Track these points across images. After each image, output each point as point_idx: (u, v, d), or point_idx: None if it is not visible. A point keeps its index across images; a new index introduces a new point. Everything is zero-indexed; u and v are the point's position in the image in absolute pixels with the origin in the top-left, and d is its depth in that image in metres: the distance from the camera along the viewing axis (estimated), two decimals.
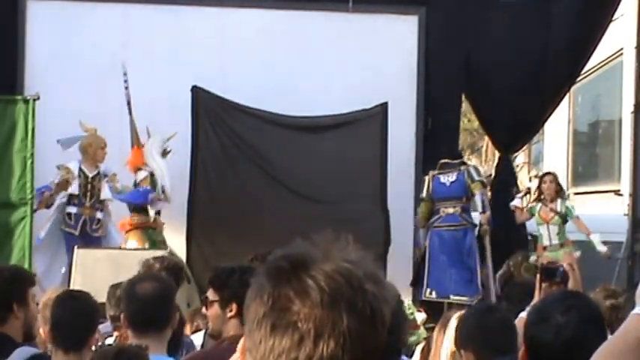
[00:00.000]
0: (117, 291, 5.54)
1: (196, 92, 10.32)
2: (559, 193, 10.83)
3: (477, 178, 10.77)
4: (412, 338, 6.43)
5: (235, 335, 3.78)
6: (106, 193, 10.31)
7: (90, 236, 10.25)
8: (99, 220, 10.31)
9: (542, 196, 10.78)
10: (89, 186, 10.25)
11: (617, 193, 14.31)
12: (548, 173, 11.18)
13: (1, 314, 4.45)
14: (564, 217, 10.72)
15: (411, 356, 5.34)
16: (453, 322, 4.36)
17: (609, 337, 3.25)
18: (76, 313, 4.31)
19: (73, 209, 10.28)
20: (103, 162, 10.33)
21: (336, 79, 11.11)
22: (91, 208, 10.29)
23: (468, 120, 18.94)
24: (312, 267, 1.55)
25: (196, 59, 10.88)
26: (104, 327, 5.24)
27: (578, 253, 10.55)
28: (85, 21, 10.94)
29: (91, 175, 10.26)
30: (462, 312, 4.20)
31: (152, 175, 10.28)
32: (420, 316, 6.94)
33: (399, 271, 10.78)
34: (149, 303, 4.12)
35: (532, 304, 3.15)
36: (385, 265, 10.53)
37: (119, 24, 10.99)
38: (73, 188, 10.19)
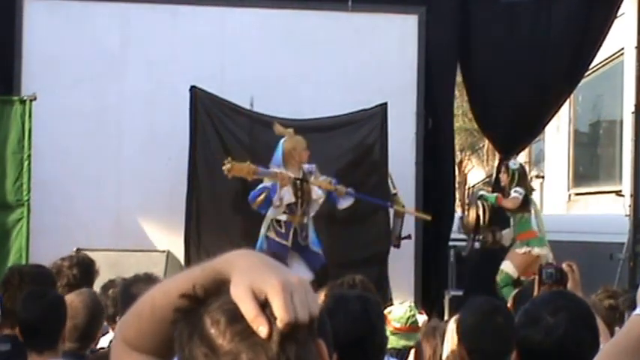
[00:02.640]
0: (109, 290, 5.52)
1: (195, 92, 10.27)
2: (511, 184, 10.80)
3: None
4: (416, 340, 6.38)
5: None
6: (317, 192, 9.94)
7: (300, 246, 9.91)
8: (306, 226, 9.96)
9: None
10: (299, 192, 9.83)
11: (618, 193, 14.26)
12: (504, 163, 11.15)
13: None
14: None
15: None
16: (452, 325, 4.33)
17: (604, 338, 3.22)
18: (42, 312, 4.23)
19: (283, 217, 9.85)
20: (305, 162, 10.00)
21: (336, 78, 11.07)
22: (302, 215, 9.93)
23: (470, 119, 18.88)
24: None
25: (195, 59, 10.84)
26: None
27: (524, 249, 10.45)
28: (83, 20, 10.89)
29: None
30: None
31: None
32: (422, 318, 6.89)
33: (399, 271, 10.77)
34: None
35: (523, 306, 3.13)
36: (386, 265, 10.52)
37: (117, 23, 10.94)
38: (288, 196, 9.73)
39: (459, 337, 3.78)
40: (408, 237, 10.73)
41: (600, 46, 11.66)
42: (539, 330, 2.96)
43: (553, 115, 12.17)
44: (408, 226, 10.91)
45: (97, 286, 5.92)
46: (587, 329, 3.01)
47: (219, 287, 1.48)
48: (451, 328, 4.42)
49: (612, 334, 4.21)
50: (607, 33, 11.55)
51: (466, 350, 3.70)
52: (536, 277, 4.13)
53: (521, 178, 10.85)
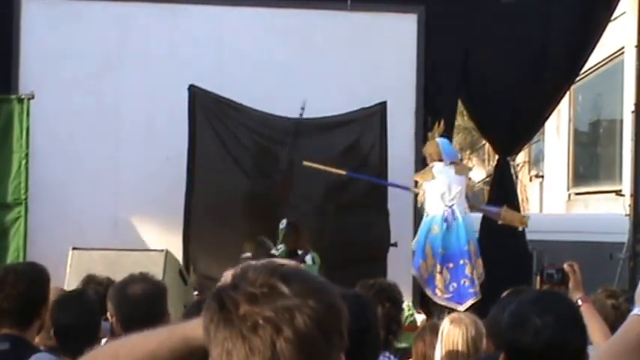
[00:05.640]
0: None
1: (193, 91, 10.26)
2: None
3: None
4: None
5: None
6: None
7: None
8: None
9: None
10: None
11: (618, 193, 14.25)
12: None
13: (28, 318, 4.32)
14: None
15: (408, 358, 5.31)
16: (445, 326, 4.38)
17: (605, 338, 3.19)
18: (80, 315, 4.18)
19: None
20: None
21: (335, 78, 11.06)
22: None
23: (468, 119, 18.87)
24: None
25: (194, 58, 10.82)
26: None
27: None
28: (81, 19, 10.87)
29: None
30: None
31: None
32: (420, 318, 6.88)
33: (399, 272, 10.73)
34: (140, 304, 4.05)
35: (509, 307, 3.11)
36: (385, 266, 10.50)
37: (115, 22, 10.93)
38: None
39: (488, 334, 3.84)
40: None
41: (597, 43, 11.69)
42: (527, 332, 2.94)
43: (550, 113, 12.15)
44: (407, 228, 10.90)
45: None
46: (575, 330, 2.99)
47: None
48: (443, 328, 4.44)
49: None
50: (604, 31, 11.59)
51: (495, 347, 3.77)
52: (538, 277, 4.11)
53: (285, 237, 9.82)
